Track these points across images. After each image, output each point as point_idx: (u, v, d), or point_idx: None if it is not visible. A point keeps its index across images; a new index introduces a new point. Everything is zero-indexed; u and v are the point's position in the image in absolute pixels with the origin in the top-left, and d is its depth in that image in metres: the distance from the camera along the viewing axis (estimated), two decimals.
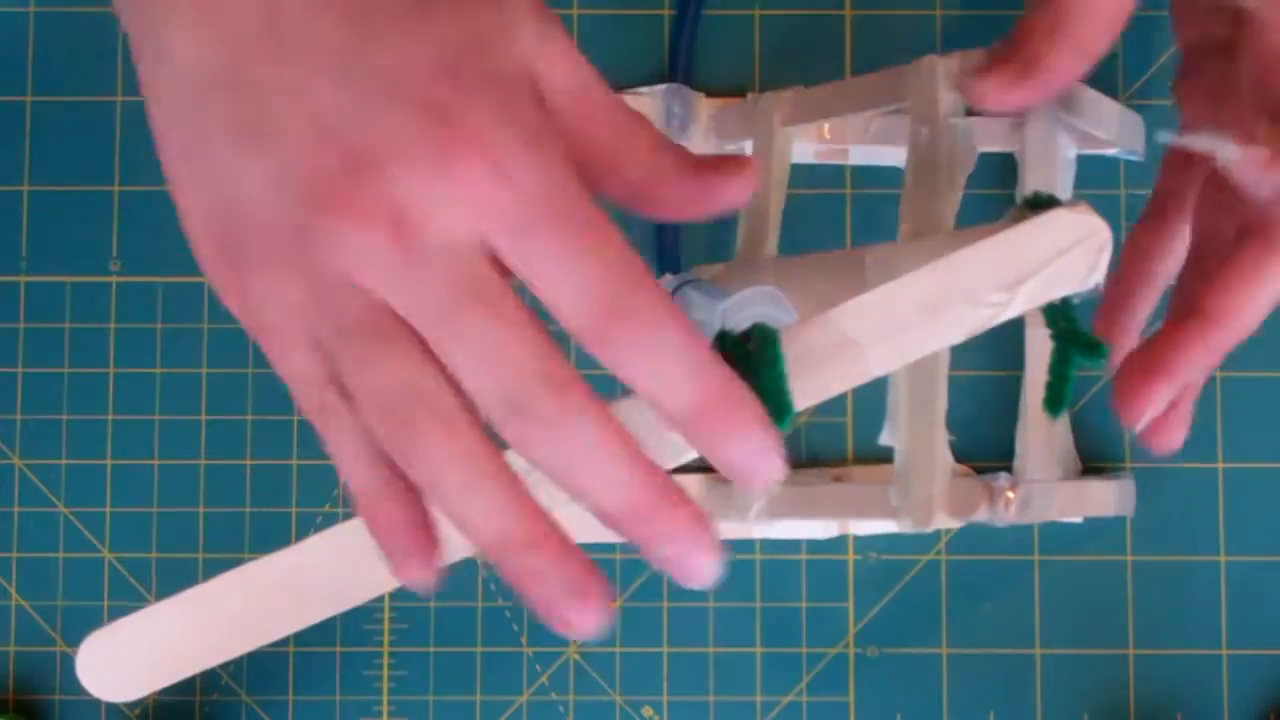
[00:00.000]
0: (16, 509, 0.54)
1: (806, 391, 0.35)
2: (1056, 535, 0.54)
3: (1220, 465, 0.54)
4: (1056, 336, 0.37)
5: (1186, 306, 0.38)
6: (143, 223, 0.55)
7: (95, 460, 0.55)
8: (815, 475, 0.54)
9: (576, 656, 0.54)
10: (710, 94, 0.55)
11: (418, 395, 0.31)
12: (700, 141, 0.54)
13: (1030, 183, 0.50)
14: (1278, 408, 0.54)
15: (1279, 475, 0.54)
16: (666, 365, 0.31)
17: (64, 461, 0.55)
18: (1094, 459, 0.54)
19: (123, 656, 0.39)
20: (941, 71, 0.43)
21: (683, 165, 0.34)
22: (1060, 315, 0.37)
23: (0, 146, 0.55)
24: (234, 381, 0.55)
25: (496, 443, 0.31)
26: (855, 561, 0.54)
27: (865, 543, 0.54)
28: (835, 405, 0.54)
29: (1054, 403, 0.38)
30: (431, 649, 0.54)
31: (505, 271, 0.31)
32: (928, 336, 0.35)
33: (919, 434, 0.44)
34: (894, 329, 0.35)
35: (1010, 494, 0.46)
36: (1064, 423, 0.53)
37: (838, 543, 0.54)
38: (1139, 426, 0.40)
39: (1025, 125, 0.51)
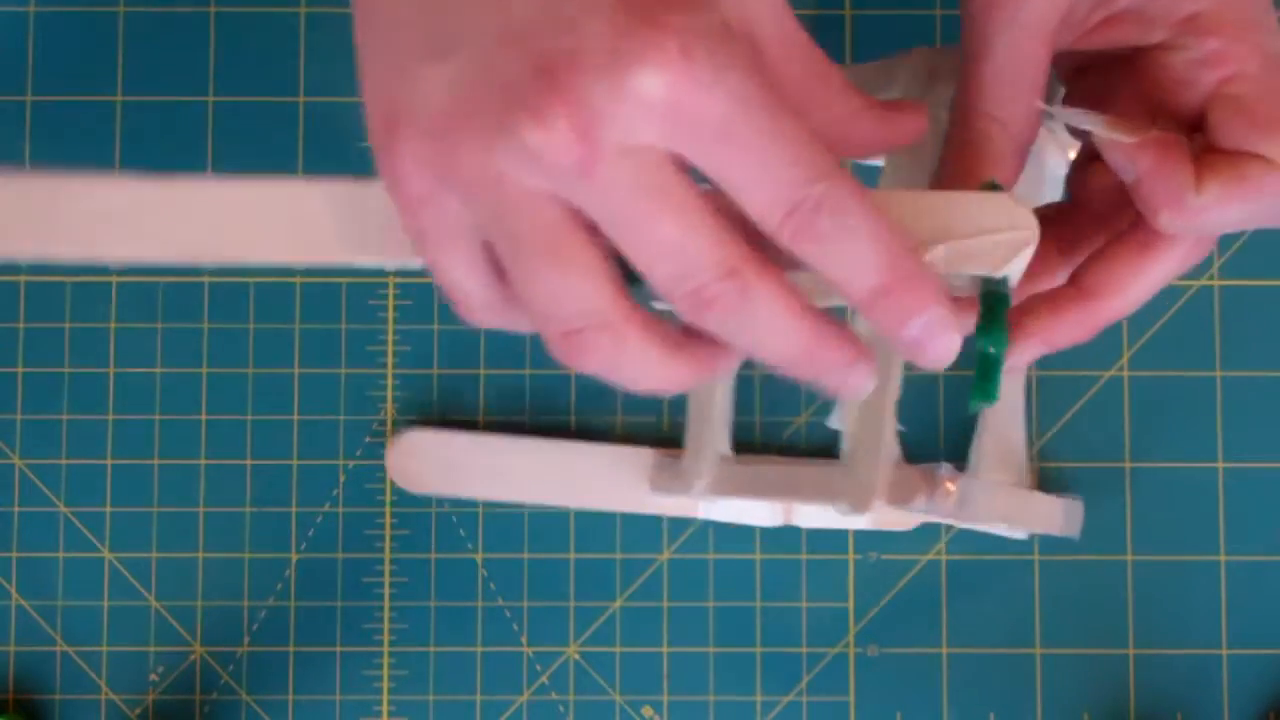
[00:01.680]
0: (16, 509, 0.54)
1: None
2: (1056, 535, 0.54)
3: (1220, 465, 0.54)
4: (983, 320, 0.37)
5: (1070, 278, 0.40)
6: None
7: (95, 460, 0.55)
8: (765, 460, 0.54)
9: (576, 656, 0.54)
10: None
11: (586, 315, 0.32)
12: None
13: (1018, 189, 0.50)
14: (1278, 408, 0.54)
15: (1279, 475, 0.54)
16: (852, 251, 0.32)
17: (64, 461, 0.55)
18: (1092, 459, 0.54)
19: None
20: (932, 64, 0.43)
21: (869, 107, 0.35)
22: (992, 300, 0.37)
23: (1, 146, 0.55)
24: (234, 381, 0.55)
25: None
26: (855, 561, 0.54)
27: (865, 543, 0.54)
28: (834, 403, 0.54)
29: (984, 391, 0.38)
30: (431, 649, 0.54)
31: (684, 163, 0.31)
32: None
33: (868, 420, 0.44)
34: None
35: (950, 485, 0.46)
36: (1020, 436, 0.53)
37: (838, 542, 0.54)
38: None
39: None
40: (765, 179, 0.31)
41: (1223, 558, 0.54)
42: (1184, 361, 0.54)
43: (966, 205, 0.35)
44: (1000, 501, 0.49)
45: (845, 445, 0.45)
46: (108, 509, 0.54)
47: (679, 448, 0.54)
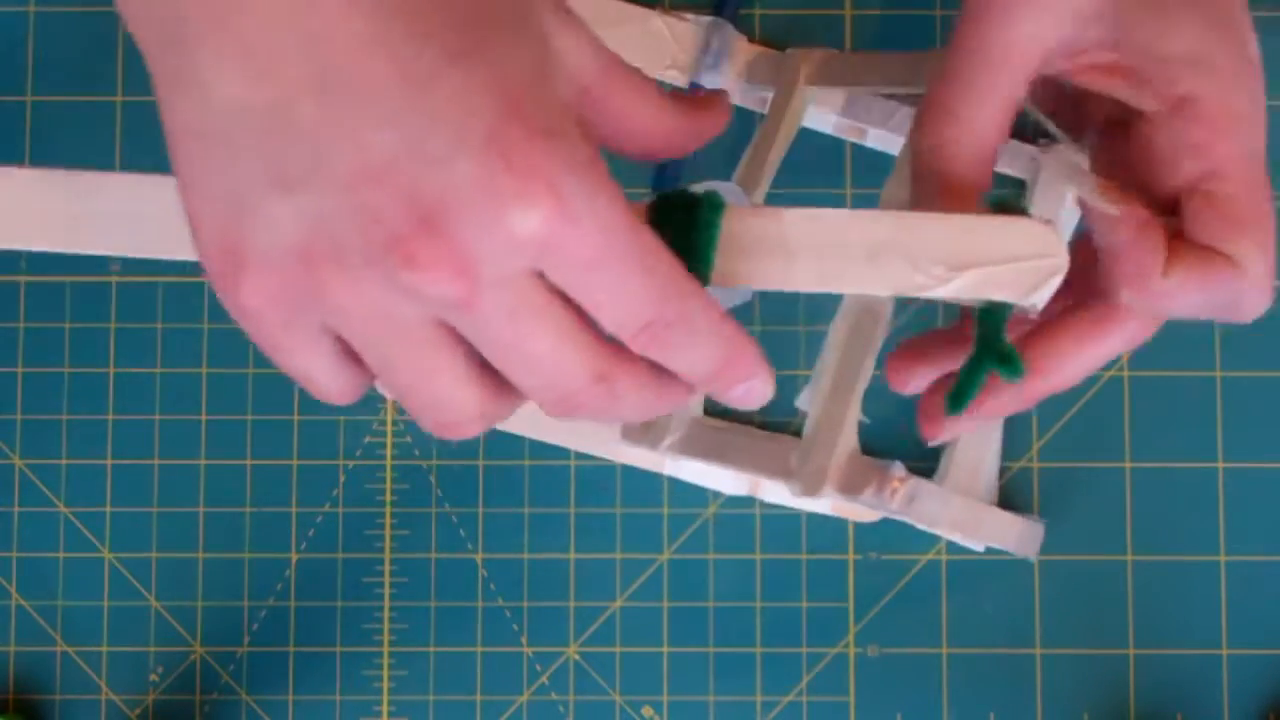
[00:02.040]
0: (16, 509, 0.54)
1: (724, 271, 0.35)
2: (1056, 535, 0.54)
3: (1220, 465, 0.54)
4: (979, 338, 0.37)
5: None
6: None
7: (95, 460, 0.55)
8: (736, 429, 0.54)
9: (576, 656, 0.54)
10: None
11: (460, 413, 0.34)
12: (729, 80, 0.55)
13: (1035, 211, 0.51)
14: (1278, 408, 0.54)
15: (1279, 475, 0.54)
16: (696, 355, 0.34)
17: (64, 461, 0.55)
18: (1092, 459, 0.54)
19: None
20: None
21: (681, 116, 0.36)
22: (991, 320, 0.36)
23: (0, 145, 0.55)
24: (234, 381, 0.55)
25: None
26: (855, 561, 0.54)
27: (865, 543, 0.54)
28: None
29: (955, 401, 0.38)
30: (431, 649, 0.54)
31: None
32: (857, 275, 0.35)
33: (834, 405, 0.44)
34: (830, 252, 0.35)
35: (897, 483, 0.46)
36: (993, 455, 0.53)
37: (838, 542, 0.54)
38: (904, 390, 0.42)
39: (1043, 159, 0.51)
40: (625, 300, 0.32)
41: (1223, 558, 0.54)
42: (1184, 362, 0.54)
43: (996, 230, 0.35)
44: (953, 509, 0.50)
45: (807, 428, 0.45)
46: (108, 509, 0.54)
47: None
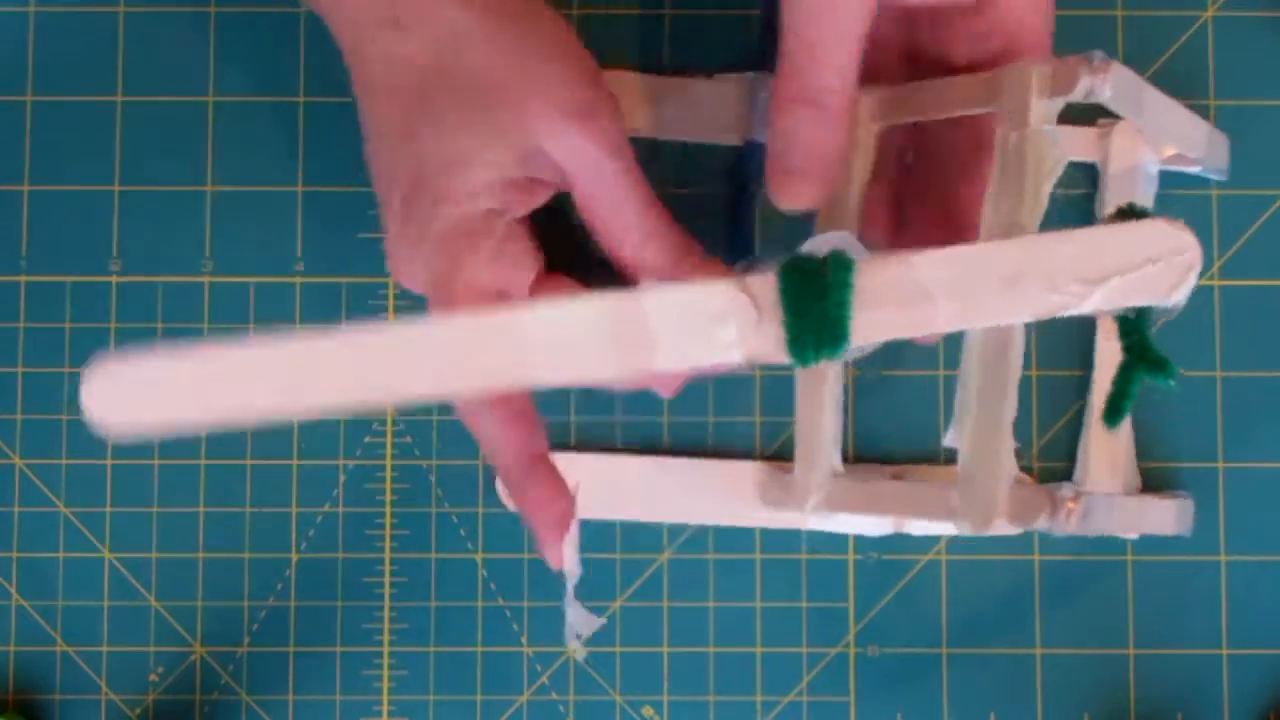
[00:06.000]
0: (16, 509, 0.54)
1: (867, 326, 0.35)
2: (1056, 535, 0.54)
3: (1220, 465, 0.54)
4: (1126, 349, 0.37)
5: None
6: (143, 223, 0.55)
7: (95, 460, 0.55)
8: (875, 472, 0.53)
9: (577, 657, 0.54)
10: None
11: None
12: None
13: (1111, 191, 0.50)
14: (1278, 407, 0.54)
15: (1279, 475, 0.54)
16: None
17: (64, 461, 0.55)
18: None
19: (131, 388, 0.38)
20: (1035, 78, 0.42)
21: (662, 261, 0.44)
22: (1134, 328, 0.36)
23: (0, 146, 0.55)
24: None
25: None
26: (855, 561, 0.54)
27: (865, 542, 0.54)
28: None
29: (1113, 414, 0.38)
30: (431, 649, 0.54)
31: None
32: (1000, 306, 0.35)
33: (984, 438, 0.43)
34: (969, 289, 0.35)
35: (1071, 505, 0.46)
36: (1128, 437, 0.53)
37: (838, 542, 0.54)
38: None
39: (1110, 137, 0.51)
40: None
41: (1223, 558, 0.54)
42: (1184, 361, 0.54)
43: (1126, 237, 0.35)
44: (1118, 513, 0.49)
45: (961, 464, 0.44)
46: (108, 509, 0.54)
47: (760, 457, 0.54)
